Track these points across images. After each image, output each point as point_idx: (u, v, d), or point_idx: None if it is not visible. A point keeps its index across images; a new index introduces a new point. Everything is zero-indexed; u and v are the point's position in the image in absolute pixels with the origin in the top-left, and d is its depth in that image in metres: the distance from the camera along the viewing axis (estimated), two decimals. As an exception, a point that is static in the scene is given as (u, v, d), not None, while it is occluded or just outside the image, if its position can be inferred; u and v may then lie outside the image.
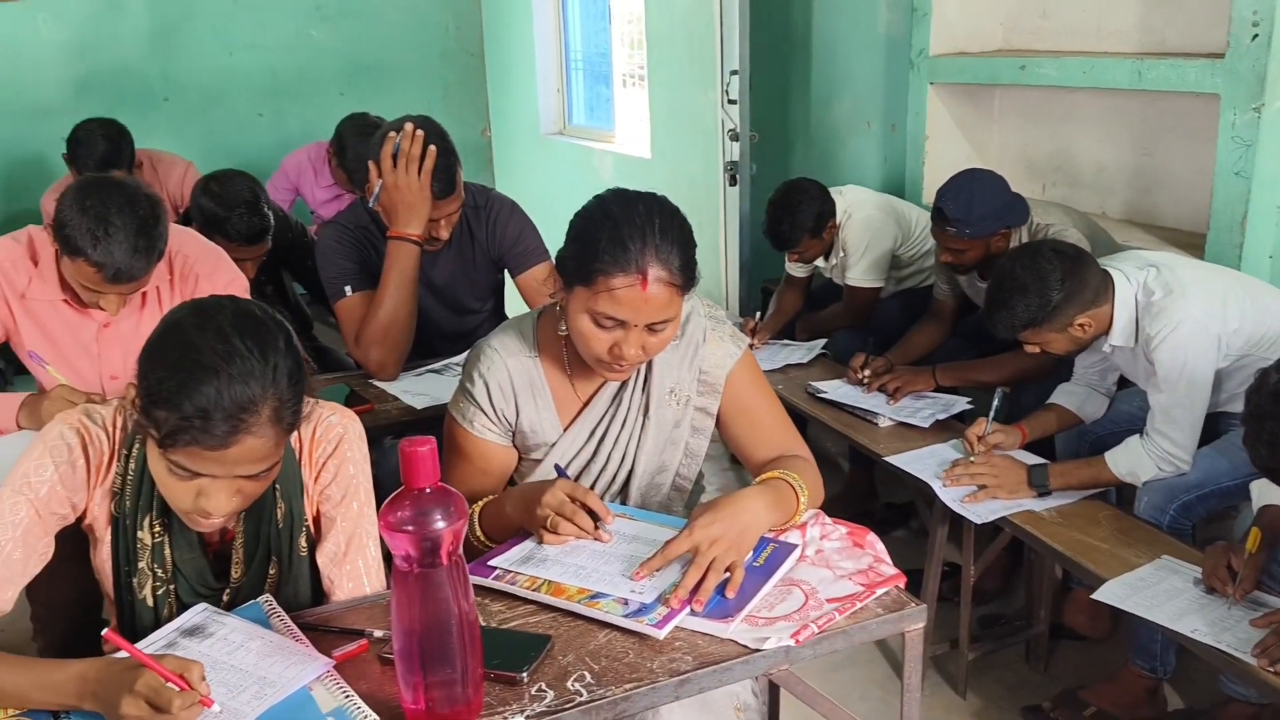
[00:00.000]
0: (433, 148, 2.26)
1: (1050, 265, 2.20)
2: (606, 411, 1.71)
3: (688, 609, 1.34)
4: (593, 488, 1.71)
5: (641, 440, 1.70)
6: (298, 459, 1.47)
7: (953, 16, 3.52)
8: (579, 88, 5.92)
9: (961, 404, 2.72)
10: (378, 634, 1.35)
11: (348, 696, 1.22)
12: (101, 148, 3.57)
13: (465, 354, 2.56)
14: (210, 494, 1.28)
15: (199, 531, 1.40)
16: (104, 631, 1.22)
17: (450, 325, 2.61)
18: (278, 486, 1.43)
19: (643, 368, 1.69)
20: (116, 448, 1.40)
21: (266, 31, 5.10)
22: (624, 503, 1.72)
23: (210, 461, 1.24)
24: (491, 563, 1.48)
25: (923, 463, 2.43)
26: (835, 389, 2.84)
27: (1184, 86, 2.70)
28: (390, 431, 2.24)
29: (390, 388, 2.37)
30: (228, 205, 2.78)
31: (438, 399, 2.26)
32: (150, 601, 1.42)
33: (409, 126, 2.26)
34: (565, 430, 1.71)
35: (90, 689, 1.18)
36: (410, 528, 1.11)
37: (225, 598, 1.46)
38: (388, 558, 1.22)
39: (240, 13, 5.02)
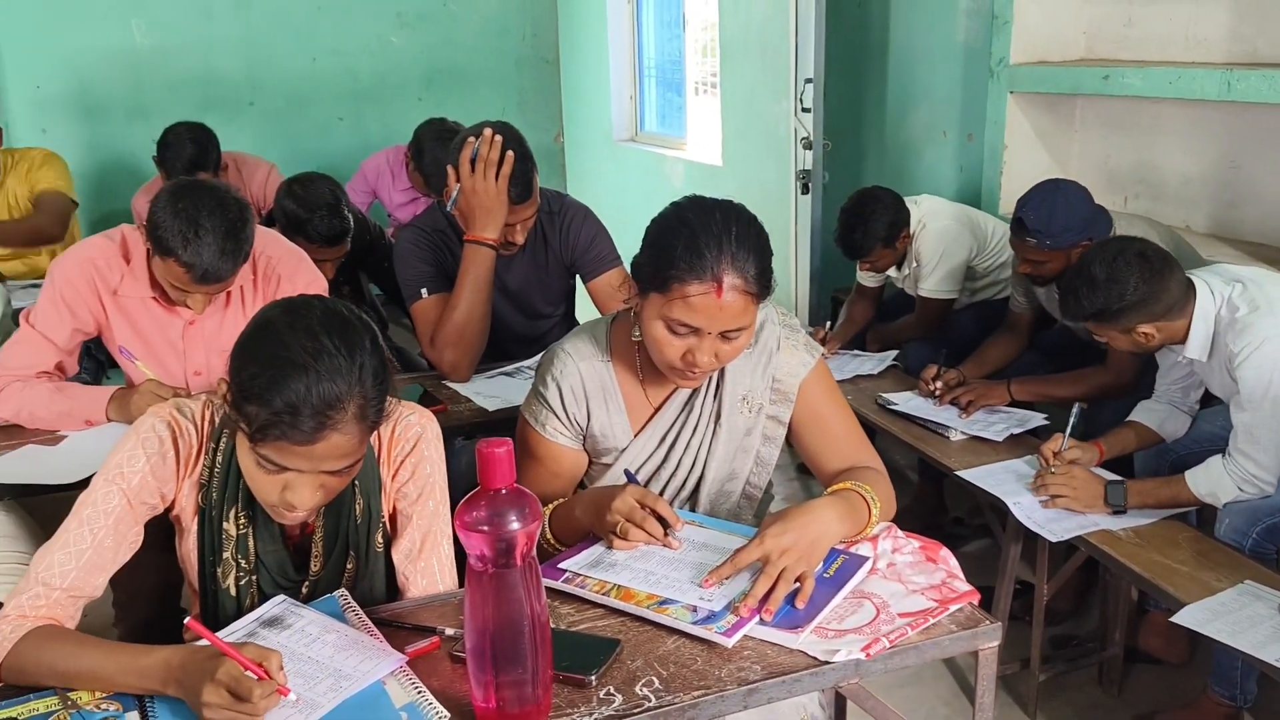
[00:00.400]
0: (510, 153, 2.29)
1: (1129, 269, 2.15)
2: (678, 418, 1.71)
3: (757, 618, 1.33)
4: (662, 494, 1.71)
5: (712, 447, 1.70)
6: (377, 456, 1.50)
7: (1034, 25, 3.46)
8: (651, 95, 5.94)
9: (1037, 419, 2.67)
10: (449, 632, 1.37)
11: (420, 692, 1.24)
12: (189, 151, 3.68)
13: (537, 357, 2.61)
14: (295, 488, 1.31)
15: (281, 525, 1.44)
16: (186, 620, 1.26)
17: (522, 329, 2.64)
18: (357, 483, 1.46)
19: (715, 375, 1.69)
20: (205, 441, 1.44)
21: (348, 38, 5.21)
22: (693, 510, 1.73)
23: (297, 456, 1.27)
24: (562, 565, 1.49)
25: (996, 478, 2.39)
26: (906, 401, 2.81)
27: (1275, 98, 2.62)
28: (461, 432, 2.27)
29: (463, 389, 2.40)
30: (309, 207, 2.85)
31: (509, 401, 2.29)
32: (233, 591, 1.46)
33: (487, 132, 2.30)
34: (636, 435, 1.71)
35: (174, 675, 1.21)
36: (485, 528, 1.13)
37: (304, 590, 1.49)
38: (461, 556, 1.24)
39: (323, 20, 5.15)
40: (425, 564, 1.50)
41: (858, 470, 1.63)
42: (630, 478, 1.65)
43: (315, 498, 1.33)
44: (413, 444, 1.50)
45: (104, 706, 1.24)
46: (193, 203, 2.00)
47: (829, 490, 1.55)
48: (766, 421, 1.71)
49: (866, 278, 3.46)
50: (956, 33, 3.86)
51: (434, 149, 3.78)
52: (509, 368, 2.54)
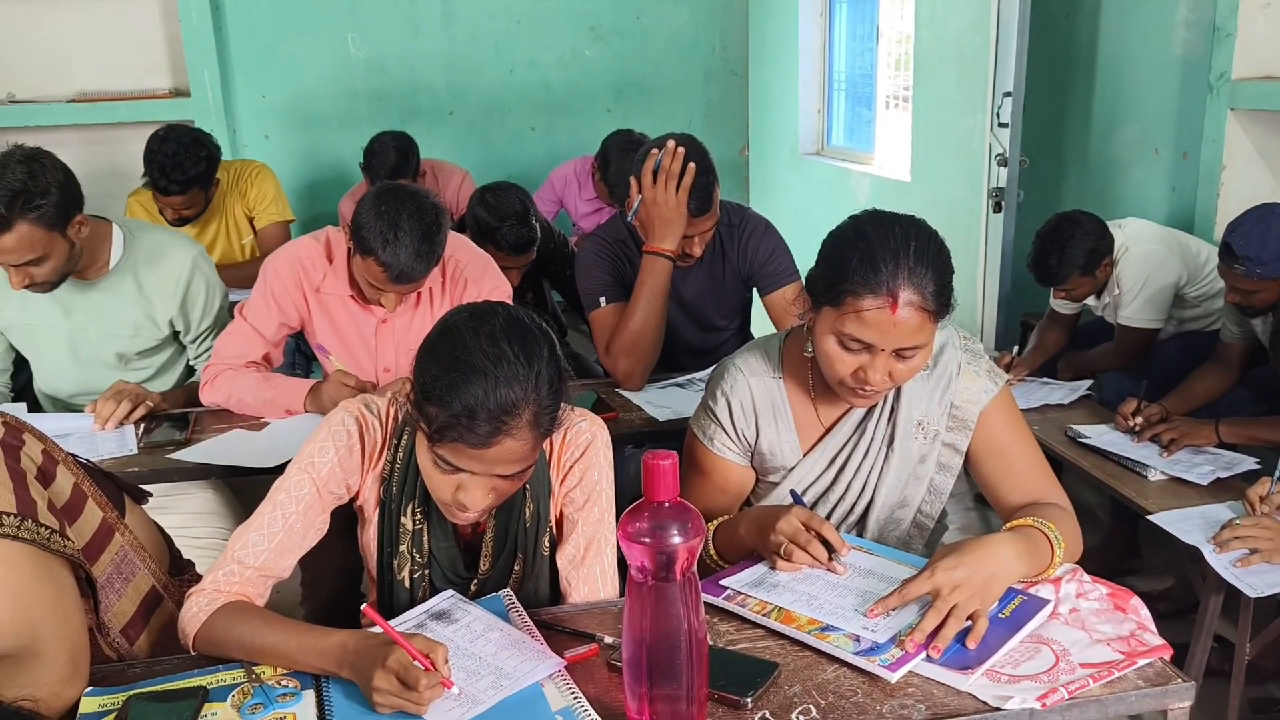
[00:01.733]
0: (692, 165, 2.29)
1: None
2: (849, 439, 1.66)
3: (923, 654, 1.28)
4: (829, 517, 1.67)
5: (883, 472, 1.65)
6: (548, 461, 1.53)
7: (1259, 37, 3.20)
8: (840, 108, 5.85)
9: (1248, 463, 2.45)
10: (608, 640, 1.38)
11: (576, 698, 1.25)
12: (392, 159, 3.91)
13: (710, 370, 2.61)
14: (469, 489, 1.35)
15: (454, 523, 1.49)
16: (363, 606, 1.32)
17: (697, 341, 2.64)
18: (528, 487, 1.49)
19: (890, 396, 1.64)
20: (388, 436, 1.50)
21: (544, 50, 5.38)
22: (861, 535, 1.68)
23: (471, 459, 1.30)
24: (723, 582, 1.48)
25: (1193, 523, 2.20)
26: (1100, 435, 2.64)
27: None
28: (631, 440, 2.29)
29: (635, 398, 2.42)
30: (499, 216, 2.94)
31: (679, 412, 2.29)
32: (407, 583, 1.52)
33: (670, 144, 2.31)
34: (805, 455, 1.68)
35: (349, 659, 1.27)
36: (647, 540, 1.13)
37: (473, 587, 1.53)
38: (624, 565, 1.24)
39: (522, 33, 5.33)
40: (588, 570, 1.52)
41: (1041, 506, 1.54)
42: (796, 499, 1.61)
43: (487, 500, 1.37)
44: (582, 450, 1.52)
45: (284, 683, 1.31)
46: (394, 206, 2.12)
47: (1008, 525, 1.47)
48: (942, 449, 1.64)
49: (1061, 305, 3.29)
50: (1173, 45, 3.62)
51: (619, 160, 3.83)
52: (681, 379, 2.54)
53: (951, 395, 1.62)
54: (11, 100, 4.68)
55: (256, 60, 5.02)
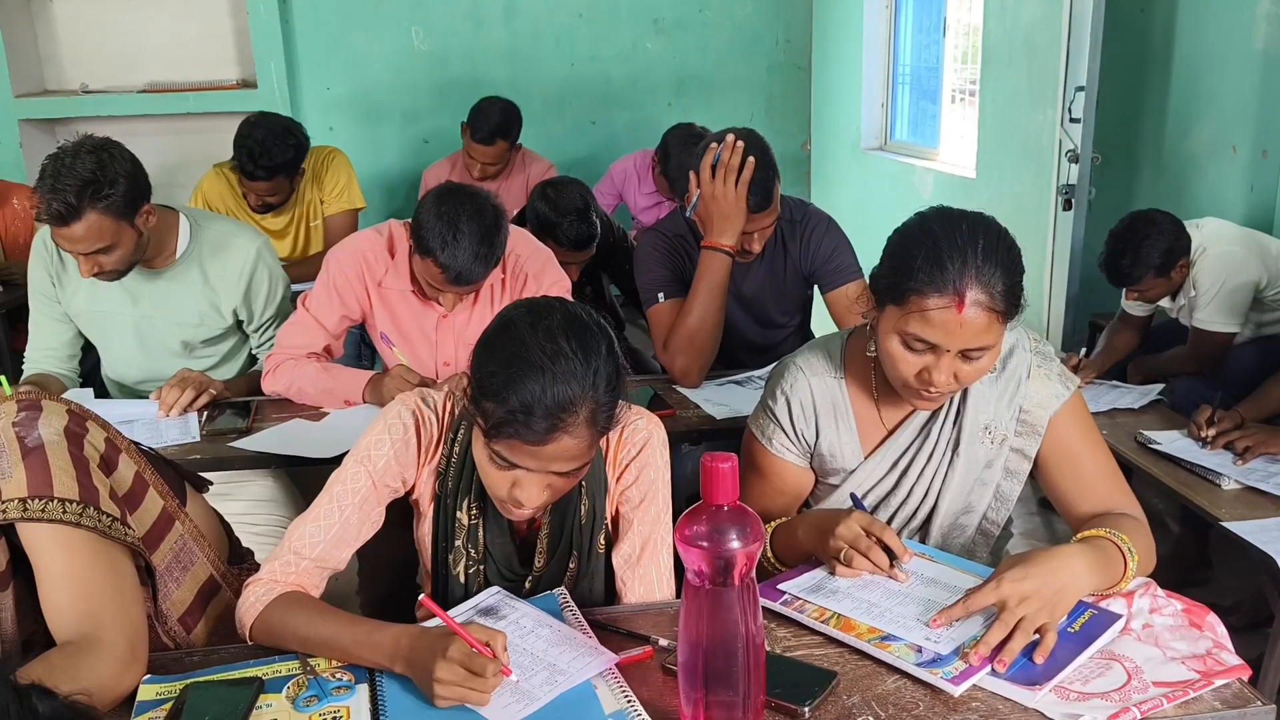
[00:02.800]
0: (751, 160, 2.26)
1: None
2: (912, 442, 1.62)
3: (988, 668, 1.24)
4: (890, 522, 1.63)
5: (948, 477, 1.61)
6: (604, 459, 1.51)
7: (1352, 30, 3.08)
8: (904, 102, 5.75)
9: (1328, 474, 2.36)
10: (663, 643, 1.36)
11: (629, 701, 1.23)
12: (496, 119, 4.06)
13: (768, 368, 2.57)
14: (524, 486, 1.34)
15: (509, 519, 1.48)
16: (420, 597, 1.31)
17: (756, 338, 2.61)
18: (584, 484, 1.47)
19: (956, 399, 1.59)
20: (445, 431, 1.50)
21: (605, 44, 5.36)
22: (923, 541, 1.63)
23: (527, 455, 1.29)
24: (781, 586, 1.45)
25: (1270, 534, 2.12)
26: (1172, 441, 2.55)
27: None
28: (688, 438, 2.27)
29: (692, 395, 2.39)
30: (560, 212, 2.93)
31: (737, 410, 2.26)
32: (462, 578, 1.51)
33: (730, 138, 2.28)
34: (866, 458, 1.64)
35: (403, 653, 1.27)
36: (705, 544, 1.11)
37: (527, 585, 1.53)
38: (680, 566, 1.22)
39: (584, 27, 5.32)
40: (644, 570, 1.50)
41: (1114, 517, 1.49)
42: (857, 503, 1.58)
43: (542, 497, 1.35)
44: (639, 449, 1.50)
45: (338, 675, 1.31)
46: (454, 207, 2.11)
47: (1079, 536, 1.42)
48: (1010, 454, 1.59)
49: (1134, 306, 3.19)
50: (1254, 39, 3.49)
51: (680, 154, 3.80)
52: (739, 376, 2.51)
53: (1020, 399, 1.57)
54: (85, 90, 4.79)
55: (321, 53, 5.08)
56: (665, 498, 1.52)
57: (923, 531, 1.65)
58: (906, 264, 1.43)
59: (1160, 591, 1.38)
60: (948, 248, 1.40)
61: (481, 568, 1.52)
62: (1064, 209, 3.74)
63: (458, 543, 1.50)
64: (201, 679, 1.30)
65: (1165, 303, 3.11)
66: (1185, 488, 2.39)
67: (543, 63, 5.26)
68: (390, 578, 2.29)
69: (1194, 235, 2.97)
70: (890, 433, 1.64)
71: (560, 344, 1.27)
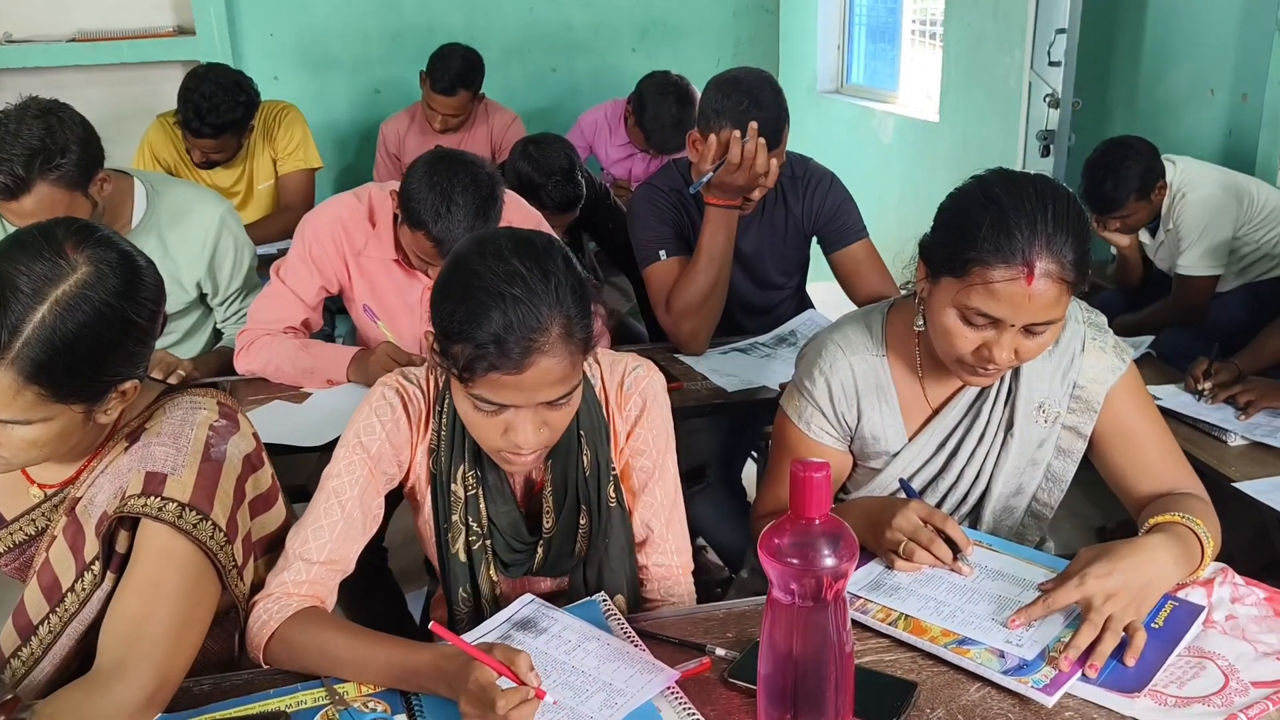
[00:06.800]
0: (763, 140, 2.13)
1: None
2: (961, 421, 1.53)
3: (1079, 673, 1.17)
4: (939, 507, 1.55)
5: (1000, 459, 1.52)
6: (604, 408, 1.43)
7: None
8: (860, 43, 5.62)
9: (1335, 427, 2.34)
10: (720, 652, 1.27)
11: (698, 722, 1.14)
12: (457, 66, 3.80)
13: (771, 333, 2.47)
14: (517, 426, 1.25)
15: (510, 486, 1.40)
16: (431, 624, 1.20)
17: (754, 299, 2.49)
18: (582, 434, 1.40)
19: (1008, 375, 1.50)
20: (431, 404, 1.40)
21: (566, -13, 5.11)
22: (975, 527, 1.56)
23: (509, 389, 1.21)
24: (838, 584, 1.36)
25: (1283, 493, 2.09)
26: (1172, 397, 2.51)
27: None
28: (701, 413, 2.15)
29: (697, 365, 2.27)
30: (544, 172, 2.77)
31: (749, 381, 2.16)
32: (463, 556, 1.41)
33: (753, 126, 2.12)
34: (911, 439, 1.55)
35: (445, 679, 1.16)
36: (795, 561, 1.01)
37: (539, 552, 1.43)
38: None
39: (543, -31, 5.06)
40: (674, 540, 1.48)
41: (1178, 498, 1.42)
42: (908, 490, 1.49)
43: (539, 436, 1.26)
44: (643, 407, 1.43)
45: (371, 705, 1.20)
46: (447, 176, 1.95)
47: (1152, 522, 1.34)
48: (1063, 433, 1.51)
49: (1117, 237, 3.13)
50: (1235, -20, 3.43)
51: (656, 104, 3.66)
52: (743, 343, 2.40)
53: (1075, 374, 1.49)
54: (8, 40, 4.44)
55: (262, -5, 4.76)
56: (671, 445, 1.47)
57: (973, 516, 1.57)
58: (968, 232, 1.33)
59: (1238, 578, 1.32)
60: (1015, 214, 1.30)
61: (488, 542, 1.42)
62: (1042, 155, 3.68)
63: (454, 518, 1.40)
64: (216, 715, 1.18)
65: (1145, 239, 3.06)
66: (1190, 445, 2.33)
67: (500, 7, 4.99)
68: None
69: (1168, 169, 2.93)
70: (935, 412, 1.55)
71: (514, 265, 1.20)
